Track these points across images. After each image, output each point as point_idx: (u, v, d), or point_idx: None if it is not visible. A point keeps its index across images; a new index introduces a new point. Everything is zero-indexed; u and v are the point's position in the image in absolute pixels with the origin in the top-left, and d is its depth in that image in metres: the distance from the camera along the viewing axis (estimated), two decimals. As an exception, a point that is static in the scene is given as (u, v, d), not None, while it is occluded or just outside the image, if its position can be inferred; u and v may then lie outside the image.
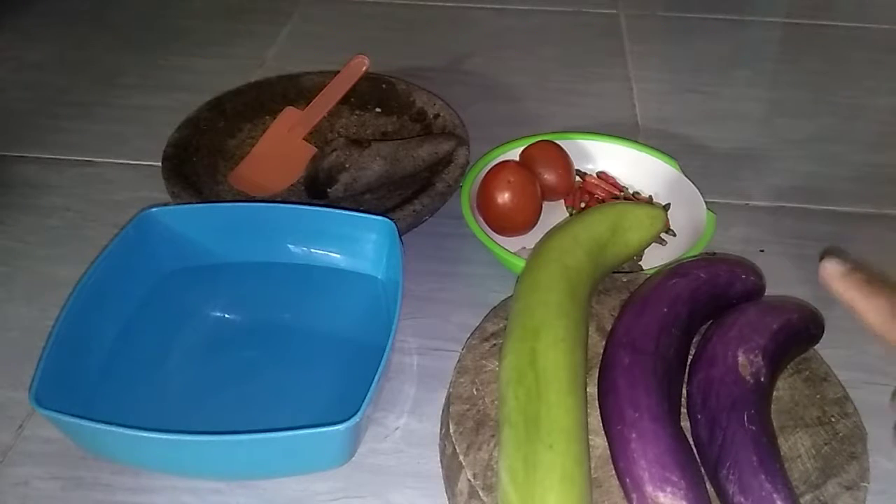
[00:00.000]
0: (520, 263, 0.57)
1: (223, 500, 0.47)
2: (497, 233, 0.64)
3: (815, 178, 0.75)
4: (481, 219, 0.64)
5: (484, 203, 0.64)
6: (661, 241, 0.64)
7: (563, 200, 0.69)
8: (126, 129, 0.79)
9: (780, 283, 0.61)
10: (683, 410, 0.45)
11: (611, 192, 0.68)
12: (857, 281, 0.43)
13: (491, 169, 0.64)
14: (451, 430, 0.44)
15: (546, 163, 0.67)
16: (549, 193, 0.67)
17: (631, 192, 0.69)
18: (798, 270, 0.64)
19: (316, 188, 0.66)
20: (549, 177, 0.66)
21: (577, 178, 0.70)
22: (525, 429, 0.41)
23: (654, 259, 0.61)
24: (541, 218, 0.65)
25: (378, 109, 0.76)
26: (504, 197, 0.62)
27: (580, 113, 0.82)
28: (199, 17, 1.00)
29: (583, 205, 0.69)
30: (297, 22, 0.99)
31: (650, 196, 0.69)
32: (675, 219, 0.64)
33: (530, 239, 0.63)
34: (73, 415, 0.43)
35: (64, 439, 0.47)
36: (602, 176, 0.70)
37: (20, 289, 0.61)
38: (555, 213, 0.68)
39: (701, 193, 0.64)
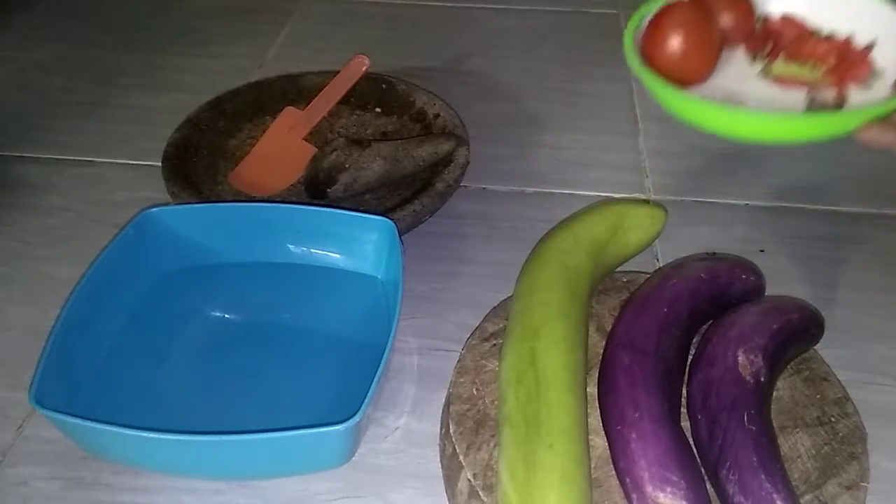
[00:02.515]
0: (704, 110, 0.52)
1: (223, 500, 0.47)
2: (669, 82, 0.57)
3: (815, 178, 0.75)
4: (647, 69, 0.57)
5: (652, 48, 0.57)
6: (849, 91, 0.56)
7: (743, 46, 0.61)
8: (126, 129, 0.79)
9: (780, 283, 0.61)
10: (683, 410, 0.45)
11: (800, 34, 0.60)
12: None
13: (661, 9, 0.58)
14: (451, 430, 0.44)
15: (722, 1, 0.59)
16: (726, 38, 0.60)
17: (823, 34, 0.61)
18: (798, 270, 0.64)
19: (316, 188, 0.66)
20: (727, 18, 0.60)
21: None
22: (525, 429, 0.41)
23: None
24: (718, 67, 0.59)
25: (378, 109, 0.76)
26: (677, 40, 0.56)
27: (580, 113, 0.82)
28: (199, 17, 1.00)
29: (770, 52, 0.60)
30: (297, 22, 0.99)
31: (848, 36, 0.60)
32: (885, 57, 0.57)
33: (707, 89, 0.57)
34: (73, 415, 0.43)
35: (64, 439, 0.47)
36: (786, 19, 0.62)
37: (20, 289, 0.61)
38: (733, 62, 0.60)
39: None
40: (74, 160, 0.75)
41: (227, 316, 0.58)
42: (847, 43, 0.61)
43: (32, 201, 0.70)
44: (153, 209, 0.56)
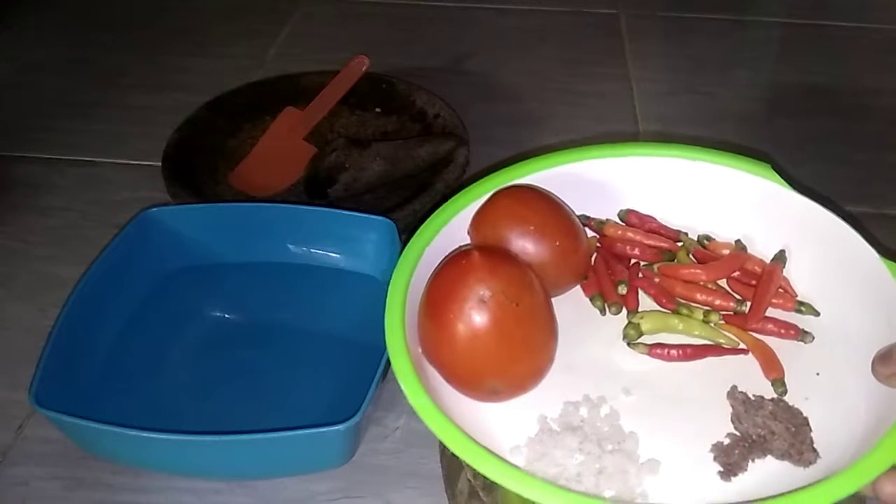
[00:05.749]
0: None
1: (223, 500, 0.47)
2: (474, 397, 0.40)
3: (815, 178, 0.74)
4: (435, 371, 0.40)
5: (439, 344, 0.39)
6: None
7: (579, 288, 0.46)
8: (126, 129, 0.79)
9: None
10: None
11: (658, 247, 0.46)
12: None
13: (441, 274, 0.40)
14: (451, 431, 0.44)
15: (523, 228, 0.42)
16: (548, 284, 0.41)
17: (694, 236, 0.48)
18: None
19: (316, 188, 0.66)
20: (538, 253, 0.41)
21: (591, 235, 0.47)
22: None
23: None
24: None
25: (378, 109, 0.76)
26: (477, 329, 0.37)
27: (580, 113, 0.82)
28: (199, 17, 1.00)
29: (622, 290, 0.44)
30: (297, 22, 0.99)
31: (736, 240, 0.47)
32: (806, 281, 0.45)
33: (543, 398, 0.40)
34: (73, 415, 0.43)
35: (64, 439, 0.47)
36: (633, 220, 0.47)
37: (20, 289, 0.61)
38: (570, 325, 0.42)
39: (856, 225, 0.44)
40: (74, 160, 0.75)
41: (227, 316, 0.57)
42: (741, 256, 0.46)
43: (32, 201, 0.70)
44: (153, 209, 0.56)
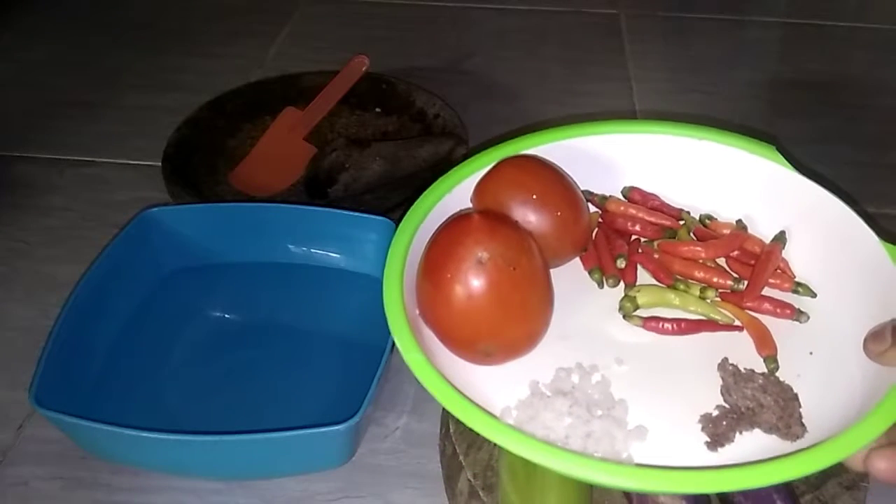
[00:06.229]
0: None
1: (223, 500, 0.47)
2: (469, 359, 0.40)
3: (816, 178, 0.74)
4: (431, 333, 0.40)
5: (435, 305, 0.39)
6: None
7: (579, 260, 0.46)
8: (126, 129, 0.79)
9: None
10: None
11: (659, 224, 0.46)
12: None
13: (440, 235, 0.40)
14: (451, 430, 0.44)
15: (525, 196, 0.42)
16: (547, 254, 0.41)
17: (696, 216, 0.48)
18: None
19: (316, 188, 0.66)
20: (539, 222, 0.41)
21: (593, 210, 0.48)
22: (525, 429, 0.40)
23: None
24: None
25: (378, 109, 0.76)
26: (473, 291, 0.37)
27: (580, 113, 0.82)
28: (199, 17, 1.00)
29: (621, 263, 0.45)
30: (297, 22, 0.99)
31: (738, 220, 0.47)
32: (804, 263, 0.45)
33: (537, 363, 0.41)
34: (73, 415, 0.43)
35: (64, 439, 0.47)
36: (636, 197, 0.48)
37: (20, 289, 0.61)
38: (568, 295, 0.43)
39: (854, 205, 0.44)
40: (74, 160, 0.75)
41: (227, 316, 0.57)
42: (741, 235, 0.46)
43: (32, 201, 0.70)
44: (153, 209, 0.56)
